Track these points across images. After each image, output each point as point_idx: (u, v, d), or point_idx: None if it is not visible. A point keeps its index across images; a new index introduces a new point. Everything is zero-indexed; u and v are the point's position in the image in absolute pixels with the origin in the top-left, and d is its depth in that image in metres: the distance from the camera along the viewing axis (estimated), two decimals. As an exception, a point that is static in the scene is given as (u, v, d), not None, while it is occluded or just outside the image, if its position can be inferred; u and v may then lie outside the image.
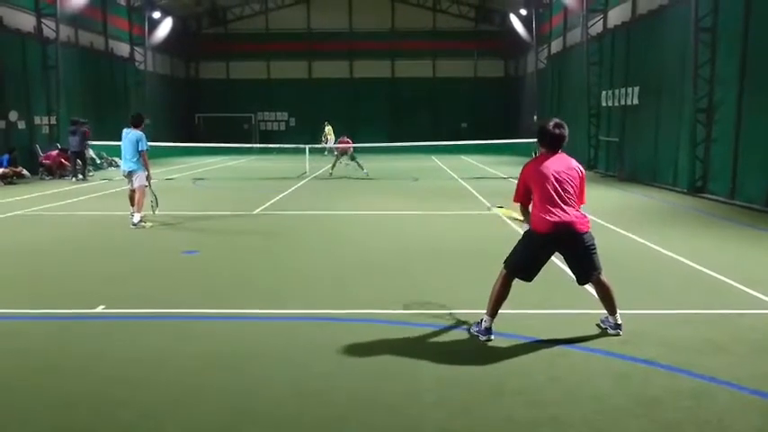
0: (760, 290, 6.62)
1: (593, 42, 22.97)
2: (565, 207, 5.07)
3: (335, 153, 22.16)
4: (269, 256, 8.74)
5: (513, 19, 33.02)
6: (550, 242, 5.17)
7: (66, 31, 24.05)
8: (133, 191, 10.93)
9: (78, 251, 9.12)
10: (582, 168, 5.31)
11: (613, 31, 21.50)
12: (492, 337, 5.20)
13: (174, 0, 32.92)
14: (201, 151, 30.15)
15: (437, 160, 28.03)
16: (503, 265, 5.34)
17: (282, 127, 41.12)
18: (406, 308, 6.10)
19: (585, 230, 5.19)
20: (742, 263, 8.07)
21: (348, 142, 20.99)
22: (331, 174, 20.66)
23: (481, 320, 5.31)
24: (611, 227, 10.68)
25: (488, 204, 12.14)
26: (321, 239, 9.97)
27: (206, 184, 18.68)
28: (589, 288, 6.75)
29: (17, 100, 21.12)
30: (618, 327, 5.32)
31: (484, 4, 37.25)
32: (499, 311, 5.34)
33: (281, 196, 15.26)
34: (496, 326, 5.31)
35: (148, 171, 10.93)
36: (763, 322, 5.73)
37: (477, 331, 5.29)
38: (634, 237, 9.75)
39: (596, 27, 22.92)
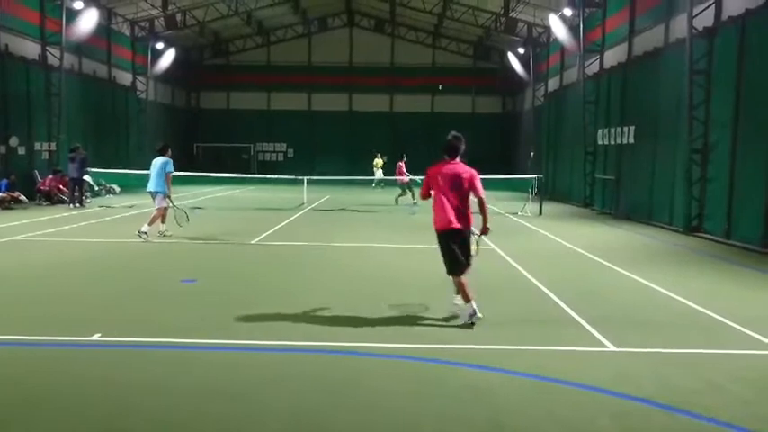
0: (757, 330, 6.64)
1: (589, 82, 23.35)
2: None
3: (397, 184, 22.13)
4: (266, 287, 8.72)
5: (511, 57, 33.55)
6: None
7: (69, 59, 24.34)
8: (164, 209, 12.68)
9: (74, 278, 9.09)
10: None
11: (609, 71, 21.88)
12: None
13: (178, 31, 33.41)
14: (200, 180, 30.23)
15: (434, 194, 28.09)
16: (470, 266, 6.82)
17: (281, 158, 41.37)
18: (403, 341, 6.08)
19: None
20: (738, 303, 8.09)
21: (402, 171, 21.22)
22: (397, 203, 21.18)
23: (471, 311, 6.60)
24: (608, 264, 10.71)
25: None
26: (318, 271, 9.96)
27: (204, 214, 18.69)
28: (587, 326, 6.77)
29: (19, 126, 21.27)
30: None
31: (482, 42, 37.89)
32: (498, 347, 5.35)
33: (278, 227, 15.27)
34: (492, 362, 5.29)
35: (169, 191, 12.61)
36: (760, 362, 5.74)
37: (471, 317, 6.56)
38: (631, 275, 9.78)
39: (593, 67, 23.32)
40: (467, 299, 6.67)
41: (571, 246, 12.86)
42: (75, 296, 7.93)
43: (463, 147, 6.92)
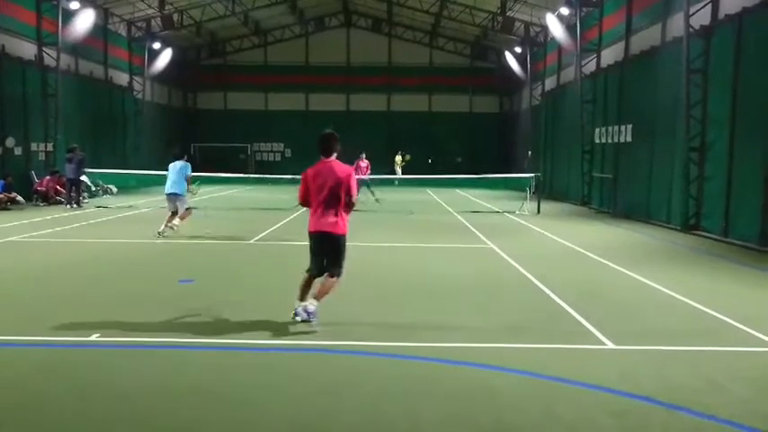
0: (757, 328, 6.64)
1: (586, 81, 23.36)
2: None
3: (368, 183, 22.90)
4: (264, 287, 8.71)
5: (508, 56, 33.56)
6: None
7: (66, 60, 24.28)
8: (174, 212, 13.07)
9: (72, 278, 9.06)
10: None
11: (606, 70, 21.89)
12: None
13: (174, 31, 33.34)
14: (197, 180, 30.18)
15: (432, 194, 28.17)
16: (341, 274, 6.58)
17: (278, 158, 41.33)
18: (403, 341, 6.07)
19: None
20: (737, 300, 8.10)
21: (361, 167, 22.22)
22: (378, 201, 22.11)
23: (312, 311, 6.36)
24: (607, 263, 10.72)
25: None
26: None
27: (201, 214, 18.64)
28: (587, 324, 6.76)
29: (15, 126, 21.21)
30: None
31: (479, 41, 37.89)
32: (498, 345, 5.33)
33: (276, 226, 15.25)
34: (492, 360, 5.29)
35: (188, 191, 13.27)
36: (760, 360, 5.74)
37: (309, 315, 6.33)
38: (630, 273, 9.78)
39: (590, 66, 23.32)
40: (320, 297, 6.47)
41: (569, 244, 12.87)
42: (74, 296, 7.90)
43: (338, 146, 6.58)
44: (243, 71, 40.55)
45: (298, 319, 6.40)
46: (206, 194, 26.01)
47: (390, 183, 29.58)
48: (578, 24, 23.28)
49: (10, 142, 20.86)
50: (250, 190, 30.13)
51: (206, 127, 40.67)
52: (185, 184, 13.00)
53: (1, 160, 20.34)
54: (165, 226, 12.82)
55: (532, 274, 9.48)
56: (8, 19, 21.18)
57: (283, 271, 9.93)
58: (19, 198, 19.36)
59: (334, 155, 6.51)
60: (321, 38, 40.67)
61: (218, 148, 39.59)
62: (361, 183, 21.87)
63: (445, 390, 4.86)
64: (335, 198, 6.35)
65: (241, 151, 40.75)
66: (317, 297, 6.42)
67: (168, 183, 13.02)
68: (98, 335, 6.08)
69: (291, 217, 17.69)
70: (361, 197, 21.70)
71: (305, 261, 10.75)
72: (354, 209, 6.59)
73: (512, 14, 29.80)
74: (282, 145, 41.48)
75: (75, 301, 7.62)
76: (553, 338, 6.23)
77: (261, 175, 31.01)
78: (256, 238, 13.21)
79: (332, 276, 6.54)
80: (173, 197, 12.98)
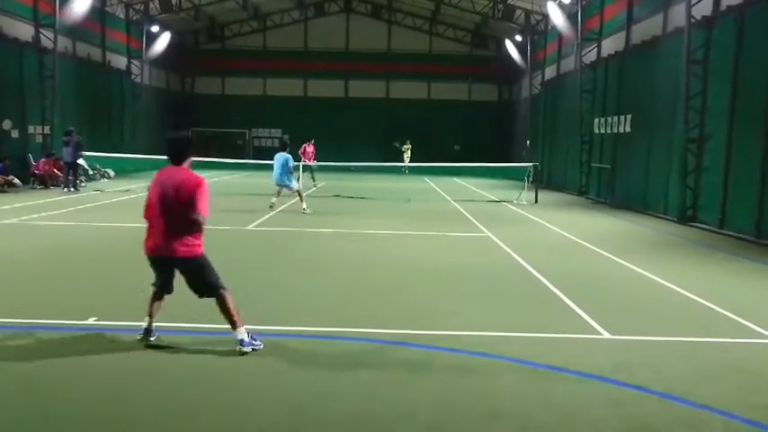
0: (752, 320, 6.67)
1: (586, 70, 23.29)
2: None
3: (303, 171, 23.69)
4: (262, 273, 8.71)
5: (509, 45, 33.40)
6: None
7: (63, 42, 24.08)
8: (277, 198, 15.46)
9: (69, 262, 9.06)
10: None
11: (607, 60, 21.81)
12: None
13: (173, 15, 33.08)
14: (194, 165, 30.01)
15: (430, 182, 28.15)
16: (223, 290, 5.40)
17: (276, 144, 41.09)
18: (401, 328, 6.09)
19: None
20: (733, 292, 8.13)
21: (307, 152, 23.60)
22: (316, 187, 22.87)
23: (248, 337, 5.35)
24: (603, 253, 10.74)
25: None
26: (315, 257, 9.95)
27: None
28: (582, 313, 6.79)
29: (12, 108, 21.07)
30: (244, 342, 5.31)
31: (479, 29, 37.69)
32: (493, 334, 5.33)
33: (274, 212, 15.24)
34: (488, 348, 5.30)
35: (293, 177, 15.63)
36: (755, 352, 5.78)
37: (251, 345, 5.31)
38: (626, 263, 9.81)
39: (590, 55, 23.24)
40: (150, 314, 5.48)
41: (566, 234, 12.89)
42: (70, 280, 7.90)
43: (192, 150, 5.53)
44: (241, 56, 40.28)
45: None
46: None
47: (373, 170, 30.05)
48: (579, 13, 23.19)
49: (7, 125, 20.74)
50: (248, 176, 30.05)
51: (204, 112, 40.44)
52: (291, 174, 15.27)
53: (-2, 142, 20.25)
54: (302, 210, 15.15)
55: (529, 263, 9.50)
56: (5, -1, 21.00)
57: (281, 257, 9.93)
58: (16, 181, 19.29)
59: (187, 162, 5.41)
60: (320, 23, 40.41)
61: (216, 134, 39.45)
62: (305, 168, 22.75)
63: (441, 377, 4.88)
64: (177, 214, 5.18)
65: (239, 137, 40.60)
66: (234, 326, 5.36)
67: (276, 173, 15.14)
68: (95, 318, 6.09)
69: (289, 203, 17.68)
70: (306, 183, 22.40)
71: (303, 247, 10.83)
72: (203, 228, 5.49)
73: (512, 2, 29.63)
74: (281, 131, 41.30)
75: (72, 285, 7.62)
76: (549, 327, 6.26)
77: (258, 161, 30.92)
78: (254, 224, 13.19)
79: (217, 298, 5.40)
80: (281, 186, 15.26)
